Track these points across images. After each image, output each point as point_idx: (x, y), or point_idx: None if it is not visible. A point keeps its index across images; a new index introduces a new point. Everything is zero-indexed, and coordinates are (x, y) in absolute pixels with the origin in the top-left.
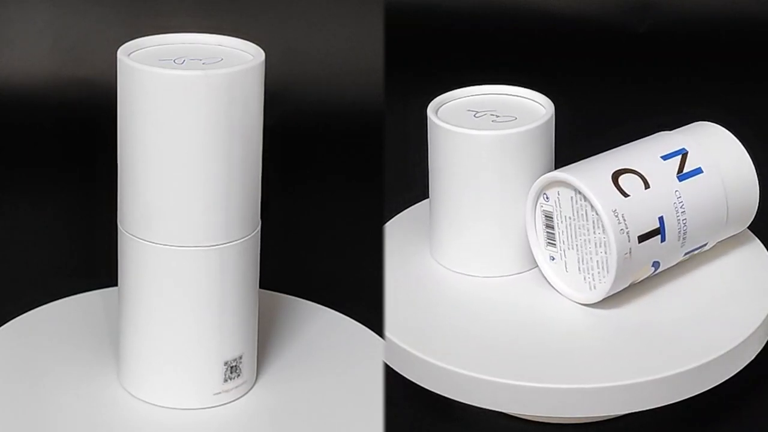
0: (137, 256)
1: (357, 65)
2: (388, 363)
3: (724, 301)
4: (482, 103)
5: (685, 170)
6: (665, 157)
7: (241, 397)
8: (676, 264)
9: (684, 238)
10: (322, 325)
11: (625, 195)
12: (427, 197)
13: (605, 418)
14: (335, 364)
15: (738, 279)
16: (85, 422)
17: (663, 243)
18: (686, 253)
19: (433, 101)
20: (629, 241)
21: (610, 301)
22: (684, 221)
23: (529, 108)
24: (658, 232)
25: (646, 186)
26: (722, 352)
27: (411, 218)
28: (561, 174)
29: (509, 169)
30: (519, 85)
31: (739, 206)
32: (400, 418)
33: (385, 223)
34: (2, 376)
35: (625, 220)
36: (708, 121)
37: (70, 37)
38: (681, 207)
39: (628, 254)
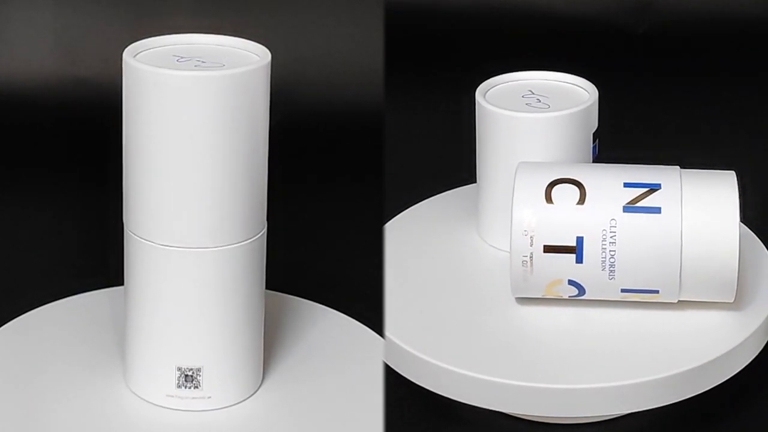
0: (140, 256)
1: (357, 65)
2: (388, 363)
3: (724, 300)
4: (530, 88)
5: (639, 204)
6: (628, 185)
7: (207, 410)
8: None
9: (612, 271)
10: (321, 325)
11: (549, 202)
12: (427, 197)
13: (605, 418)
14: (335, 364)
15: (738, 278)
16: (89, 423)
17: (580, 264)
18: (625, 291)
19: (481, 84)
20: (531, 245)
21: (609, 301)
22: (612, 252)
23: (576, 94)
24: (573, 251)
25: (580, 202)
26: (722, 353)
27: (411, 218)
28: (519, 164)
29: (544, 152)
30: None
31: (703, 267)
32: (400, 418)
33: (385, 223)
34: (5, 374)
35: (533, 224)
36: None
37: (70, 37)
38: (612, 237)
39: (527, 258)
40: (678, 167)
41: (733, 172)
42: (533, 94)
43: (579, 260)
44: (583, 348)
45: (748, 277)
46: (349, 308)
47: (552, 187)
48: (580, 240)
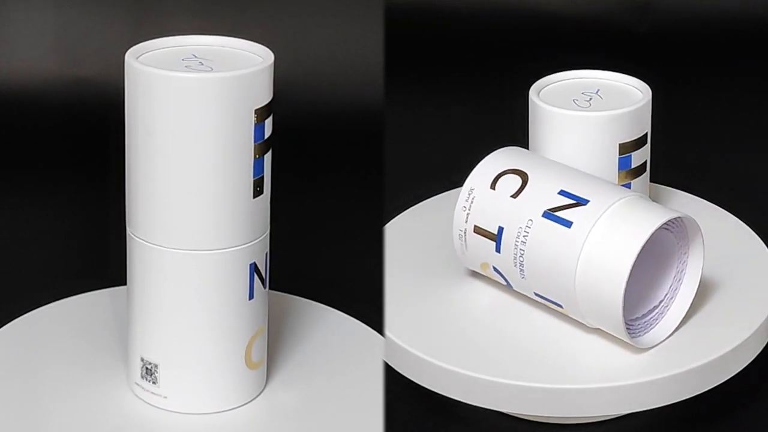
0: (141, 257)
1: (357, 65)
2: (388, 362)
3: (725, 301)
4: (584, 86)
5: (558, 214)
6: (562, 193)
7: (167, 410)
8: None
9: (522, 269)
10: (321, 324)
11: (492, 188)
12: (427, 197)
13: (605, 418)
14: (335, 363)
15: (738, 278)
16: (90, 423)
17: (498, 254)
18: (537, 295)
19: (536, 83)
20: (466, 222)
21: None
22: (522, 252)
23: (630, 94)
24: (494, 238)
25: (515, 196)
26: (722, 352)
27: (411, 218)
28: (499, 150)
29: (572, 150)
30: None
31: (594, 294)
32: (400, 418)
33: (385, 223)
34: (5, 374)
35: (472, 202)
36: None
37: (71, 37)
38: (524, 236)
39: (462, 233)
40: (635, 193)
41: (687, 216)
42: (596, 93)
43: (497, 249)
44: (583, 348)
45: (743, 267)
46: (349, 308)
47: (503, 175)
48: (501, 230)
